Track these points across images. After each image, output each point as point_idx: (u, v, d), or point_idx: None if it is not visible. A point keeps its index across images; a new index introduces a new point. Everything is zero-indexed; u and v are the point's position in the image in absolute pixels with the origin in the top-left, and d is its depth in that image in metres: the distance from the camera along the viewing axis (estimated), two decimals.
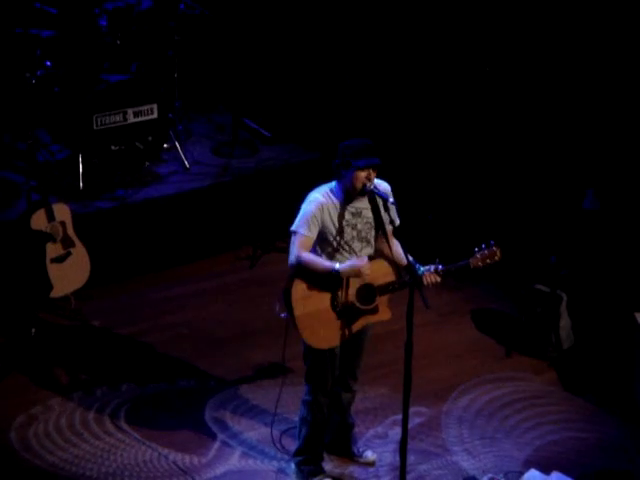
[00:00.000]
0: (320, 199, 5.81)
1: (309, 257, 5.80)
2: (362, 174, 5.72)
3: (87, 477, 6.25)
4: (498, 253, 5.93)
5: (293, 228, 5.84)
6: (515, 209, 8.57)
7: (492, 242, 5.94)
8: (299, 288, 5.84)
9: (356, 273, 5.79)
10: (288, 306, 5.86)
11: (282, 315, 5.92)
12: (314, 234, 5.81)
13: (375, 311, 5.93)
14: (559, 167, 8.38)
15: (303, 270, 5.81)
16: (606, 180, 8.08)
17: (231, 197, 8.61)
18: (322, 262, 5.82)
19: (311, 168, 8.62)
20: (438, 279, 5.85)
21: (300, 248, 5.80)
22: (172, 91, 8.87)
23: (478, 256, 5.90)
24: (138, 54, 8.65)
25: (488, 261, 5.91)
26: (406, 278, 5.85)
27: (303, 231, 5.80)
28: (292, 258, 5.83)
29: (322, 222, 5.80)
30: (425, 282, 5.81)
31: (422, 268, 5.84)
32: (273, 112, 9.50)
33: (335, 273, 5.76)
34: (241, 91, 9.27)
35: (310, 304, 5.85)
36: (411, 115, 9.19)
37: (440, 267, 5.85)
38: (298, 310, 5.84)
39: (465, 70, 8.86)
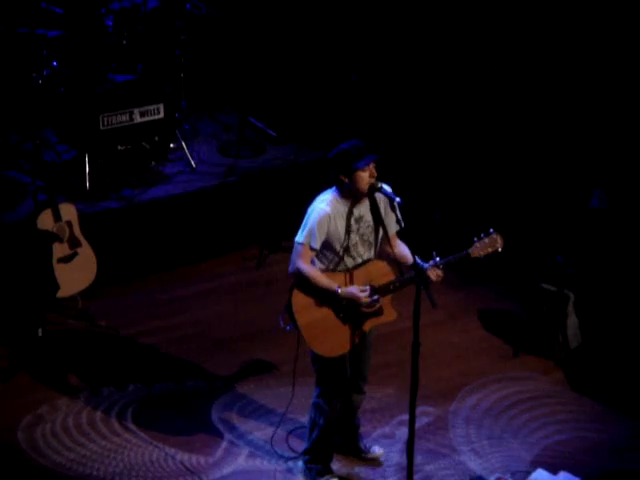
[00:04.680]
0: (327, 210, 5.75)
1: (310, 271, 5.78)
2: (365, 174, 5.69)
3: (94, 477, 6.26)
4: (499, 240, 5.84)
5: (298, 239, 5.80)
6: (522, 208, 8.55)
7: (491, 230, 5.87)
8: (299, 298, 5.81)
9: (355, 302, 5.79)
10: (292, 318, 5.83)
11: (287, 328, 5.89)
12: (318, 246, 5.78)
13: (380, 313, 5.91)
14: (566, 166, 8.36)
15: (302, 280, 5.80)
16: (613, 178, 8.06)
17: (237, 197, 8.60)
18: (323, 279, 5.78)
19: (317, 167, 8.60)
20: (440, 273, 5.79)
21: (302, 259, 5.78)
22: (178, 91, 8.88)
23: (478, 245, 5.82)
24: (144, 54, 8.65)
25: (489, 250, 5.83)
26: (406, 276, 5.83)
27: (307, 243, 5.76)
28: (292, 267, 5.81)
29: (328, 234, 5.77)
30: (432, 277, 5.74)
31: (425, 265, 5.75)
32: (279, 111, 9.50)
33: (335, 294, 5.77)
34: (247, 90, 9.26)
35: (312, 313, 5.83)
36: (418, 113, 9.18)
37: (438, 260, 5.80)
38: (301, 320, 5.81)
39: (472, 69, 8.85)
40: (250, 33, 9.49)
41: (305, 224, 5.80)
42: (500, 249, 5.87)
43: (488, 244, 5.84)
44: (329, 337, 5.87)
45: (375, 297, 5.81)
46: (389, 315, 5.96)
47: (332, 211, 5.76)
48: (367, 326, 5.94)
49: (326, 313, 5.85)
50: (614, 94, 8.02)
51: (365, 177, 5.70)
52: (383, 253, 6.01)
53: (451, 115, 9.02)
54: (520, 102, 8.60)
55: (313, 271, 5.79)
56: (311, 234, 5.75)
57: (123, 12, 8.47)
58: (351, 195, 5.78)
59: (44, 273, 7.40)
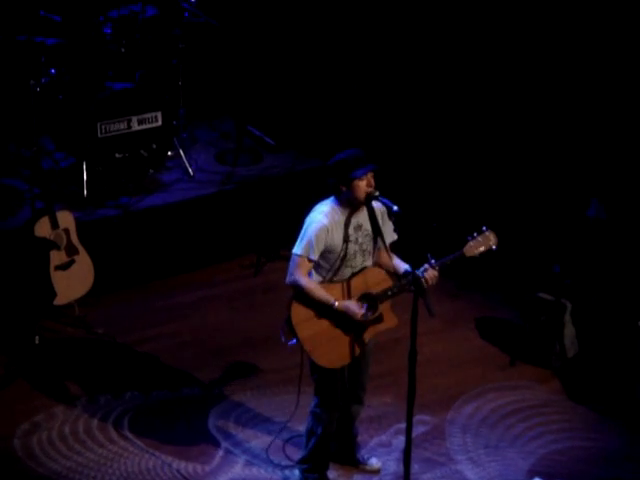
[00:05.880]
0: (324, 222, 5.74)
1: (308, 284, 5.77)
2: (362, 183, 5.70)
3: None
4: (492, 238, 5.85)
5: (295, 251, 5.79)
6: (519, 217, 8.56)
7: (484, 227, 5.88)
8: (299, 311, 5.80)
9: (351, 317, 5.80)
10: (292, 331, 5.81)
11: (289, 343, 5.87)
12: (316, 257, 5.78)
13: (380, 319, 5.90)
14: (563, 175, 8.37)
15: (300, 292, 5.79)
16: (610, 188, 8.06)
17: (235, 205, 8.61)
18: (320, 292, 5.77)
19: (315, 176, 8.61)
20: (436, 273, 5.77)
21: (300, 271, 5.77)
22: (176, 99, 8.88)
23: (472, 244, 5.83)
24: (142, 62, 8.66)
25: (483, 248, 5.83)
26: (403, 281, 5.83)
27: (306, 255, 5.76)
28: (290, 278, 5.80)
29: (326, 245, 5.77)
30: (425, 282, 5.74)
31: (418, 270, 5.73)
32: (277, 120, 9.50)
33: (331, 307, 5.77)
34: (245, 99, 9.27)
35: (313, 325, 5.81)
36: (415, 122, 9.19)
37: (433, 262, 5.80)
38: (302, 333, 5.80)
39: (468, 79, 8.86)
40: (248, 41, 9.50)
41: (303, 236, 5.80)
42: (494, 247, 5.88)
43: (482, 242, 5.85)
44: (331, 348, 5.85)
45: (369, 314, 5.82)
46: (390, 321, 5.95)
47: (330, 223, 5.76)
48: (369, 334, 5.92)
49: (327, 324, 5.84)
50: (612, 103, 8.03)
51: (362, 186, 5.70)
52: (377, 262, 6.00)
53: (449, 124, 9.03)
54: (517, 111, 8.61)
55: (310, 284, 5.79)
56: (309, 246, 5.75)
57: (121, 20, 8.48)
58: (349, 204, 5.79)
59: (41, 280, 7.40)
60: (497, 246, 5.88)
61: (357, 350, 5.91)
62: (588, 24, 8.03)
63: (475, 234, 5.86)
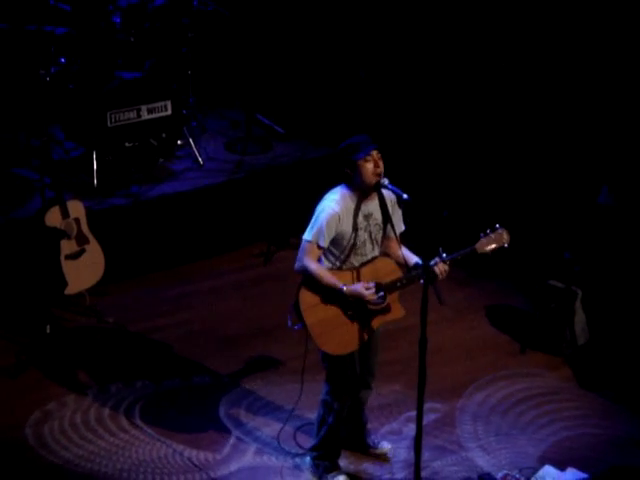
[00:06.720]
0: (336, 210, 5.74)
1: (316, 269, 5.76)
2: (369, 166, 5.68)
3: (102, 473, 6.27)
4: (505, 235, 5.85)
5: (306, 237, 5.79)
6: (529, 204, 8.55)
7: (497, 225, 5.87)
8: (307, 296, 5.80)
9: (362, 299, 5.78)
10: (299, 316, 5.82)
11: (295, 327, 5.87)
12: (326, 245, 5.78)
13: (388, 310, 5.90)
14: (574, 162, 8.36)
15: (309, 278, 5.80)
16: (621, 175, 8.05)
17: (245, 193, 8.61)
18: (328, 277, 5.77)
19: (324, 164, 8.61)
20: (446, 268, 5.78)
21: (309, 257, 5.77)
22: (186, 88, 8.89)
23: (484, 240, 5.83)
24: (152, 51, 8.67)
25: (495, 245, 5.83)
26: (413, 273, 5.83)
27: (315, 241, 5.76)
28: (299, 265, 5.80)
29: (336, 232, 5.77)
30: (437, 272, 5.74)
31: (431, 262, 5.74)
32: (287, 108, 9.50)
33: (340, 292, 5.76)
34: (255, 87, 9.27)
35: (320, 311, 5.82)
36: (425, 110, 9.17)
37: (445, 256, 5.80)
38: (309, 318, 5.80)
39: (479, 65, 8.84)
40: (258, 30, 9.49)
41: (314, 222, 5.79)
42: (506, 244, 5.88)
43: (494, 239, 5.84)
44: (337, 335, 5.86)
45: (381, 294, 5.81)
46: (397, 312, 5.95)
47: (341, 210, 5.75)
48: (375, 324, 5.93)
49: (334, 311, 5.84)
50: (623, 88, 8.01)
51: (369, 168, 5.68)
52: (384, 251, 6.00)
53: (459, 112, 9.01)
54: (528, 98, 8.60)
55: (319, 269, 5.79)
56: (319, 233, 5.75)
57: (131, 9, 8.48)
58: (358, 189, 5.77)
59: (52, 270, 7.42)
60: (509, 244, 5.87)
61: (365, 337, 5.91)
62: (597, 14, 8.01)
63: (488, 231, 5.85)
